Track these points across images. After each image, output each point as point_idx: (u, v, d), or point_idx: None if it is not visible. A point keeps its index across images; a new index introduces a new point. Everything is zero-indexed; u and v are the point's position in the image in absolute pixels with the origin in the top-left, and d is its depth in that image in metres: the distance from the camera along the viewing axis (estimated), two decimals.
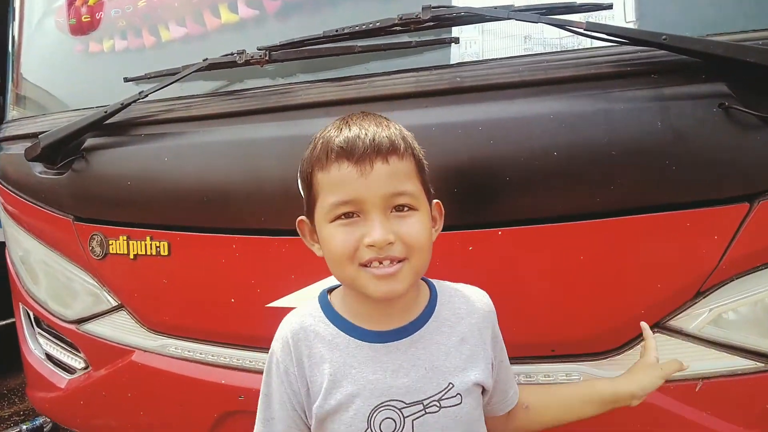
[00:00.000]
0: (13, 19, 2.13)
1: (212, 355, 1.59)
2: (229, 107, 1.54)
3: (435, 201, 0.95)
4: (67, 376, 1.92)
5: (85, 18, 1.84)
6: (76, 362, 1.90)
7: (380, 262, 0.84)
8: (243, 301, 1.51)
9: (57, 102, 1.98)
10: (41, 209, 1.84)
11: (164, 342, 1.67)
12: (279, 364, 0.94)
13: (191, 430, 1.64)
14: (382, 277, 0.84)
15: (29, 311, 2.07)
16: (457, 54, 1.39)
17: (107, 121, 1.63)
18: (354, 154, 0.84)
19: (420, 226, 0.86)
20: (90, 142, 1.70)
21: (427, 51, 1.41)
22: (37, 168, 1.82)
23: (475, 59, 1.36)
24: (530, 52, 1.33)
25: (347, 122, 0.89)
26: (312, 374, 0.91)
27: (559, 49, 1.32)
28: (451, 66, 1.35)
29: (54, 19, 2.01)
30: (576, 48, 1.30)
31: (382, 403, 0.88)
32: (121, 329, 1.75)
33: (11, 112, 2.08)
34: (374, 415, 0.88)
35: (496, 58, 1.33)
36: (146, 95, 1.57)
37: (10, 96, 2.11)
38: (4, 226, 2.09)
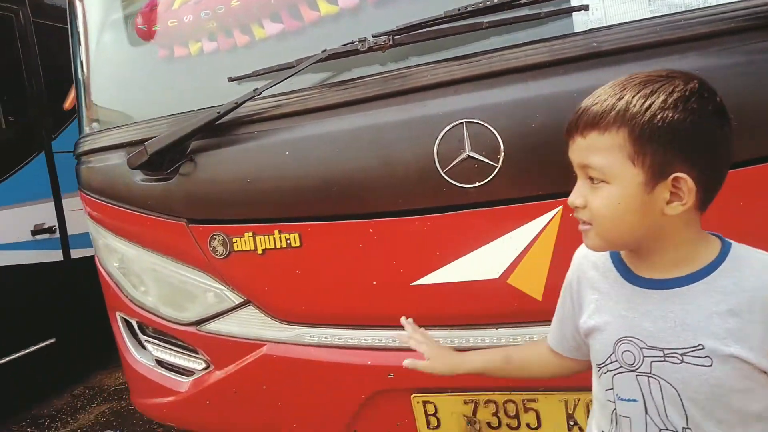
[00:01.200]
0: (80, 32, 2.11)
1: (354, 339, 1.63)
2: (350, 95, 1.56)
3: (675, 175, 0.87)
4: (185, 379, 1.94)
5: (171, 23, 1.83)
6: (195, 364, 1.92)
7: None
8: (386, 282, 1.55)
9: (137, 111, 1.97)
10: (146, 216, 1.84)
11: (299, 331, 1.70)
12: (568, 278, 1.09)
13: (336, 413, 1.69)
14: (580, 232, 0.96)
15: (130, 319, 2.07)
16: (581, 22, 1.43)
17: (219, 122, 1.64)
18: (569, 125, 0.94)
19: (603, 199, 0.91)
20: (197, 144, 1.71)
21: (551, 21, 1.45)
22: (137, 176, 1.82)
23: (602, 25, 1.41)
24: (657, 14, 1.38)
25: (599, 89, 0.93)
26: (584, 294, 1.04)
27: (684, 9, 1.38)
28: (584, 32, 1.39)
29: (128, 26, 2.00)
30: (703, 6, 1.36)
31: (625, 336, 0.97)
32: (249, 324, 1.77)
33: (86, 127, 2.06)
34: (619, 344, 0.97)
35: (629, 21, 1.37)
36: (261, 92, 1.58)
37: (84, 110, 2.09)
38: (94, 238, 2.08)
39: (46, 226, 3.94)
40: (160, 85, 1.92)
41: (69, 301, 4.13)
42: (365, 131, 1.52)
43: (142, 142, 1.78)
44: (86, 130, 2.05)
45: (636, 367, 0.95)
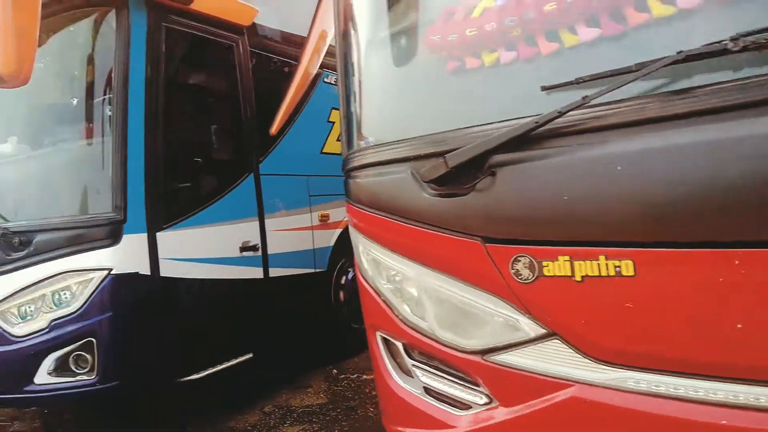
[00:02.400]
0: (351, 49, 2.10)
1: (703, 391, 1.36)
2: (705, 104, 1.34)
3: None
4: (460, 413, 1.78)
5: (470, 32, 1.74)
6: (474, 397, 1.76)
7: None
8: (756, 326, 1.29)
9: (418, 125, 1.89)
10: (432, 233, 1.73)
11: (621, 375, 1.47)
12: None
13: None
14: None
15: (395, 341, 1.96)
16: None
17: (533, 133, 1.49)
18: None
19: None
20: (500, 157, 1.58)
21: None
22: (424, 190, 1.72)
23: None
24: None
25: None
26: None
27: None
28: None
29: (408, 40, 1.95)
30: None
31: None
32: (552, 360, 1.57)
33: (359, 142, 2.03)
34: None
35: None
36: (590, 99, 1.42)
37: (353, 125, 2.07)
38: (361, 252, 2.02)
39: (251, 244, 4.08)
40: (448, 98, 1.83)
41: (266, 319, 4.24)
42: (725, 144, 1.29)
43: (431, 156, 1.69)
44: (359, 144, 2.01)
45: None
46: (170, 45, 3.63)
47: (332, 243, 4.97)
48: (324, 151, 5.07)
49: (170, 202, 3.55)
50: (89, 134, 3.50)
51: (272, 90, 4.43)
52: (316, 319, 4.82)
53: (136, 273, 3.32)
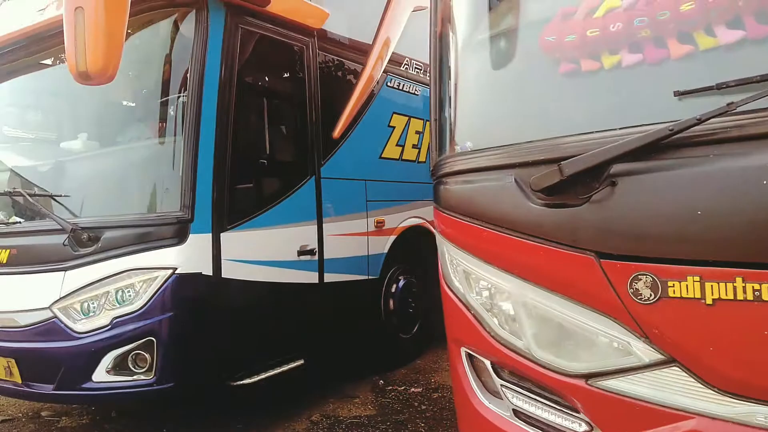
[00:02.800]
0: (448, 49, 2.02)
1: None
2: None
3: None
4: None
5: (591, 32, 1.64)
6: (571, 423, 1.64)
7: None
8: None
9: (522, 130, 1.80)
10: (537, 245, 1.63)
11: (748, 409, 1.34)
12: None
13: None
14: None
15: (483, 358, 1.86)
16: None
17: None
18: None
19: None
20: (621, 166, 1.47)
21: None
22: (530, 199, 1.62)
23: None
24: None
25: None
26: None
27: None
28: None
29: (508, 43, 1.86)
30: None
31: None
32: (669, 389, 1.45)
33: (454, 147, 1.94)
34: None
35: None
36: (737, 106, 1.30)
37: (446, 130, 1.99)
38: (448, 261, 1.92)
39: (308, 248, 4.03)
40: (559, 103, 1.73)
41: (319, 325, 4.18)
42: None
43: (541, 163, 1.59)
44: (454, 150, 1.92)
45: None
46: (245, 46, 3.62)
47: (386, 250, 4.88)
48: (383, 156, 5.00)
49: (235, 203, 3.52)
50: (161, 133, 3.50)
51: (336, 93, 4.40)
52: (366, 328, 4.74)
53: (199, 273, 3.29)
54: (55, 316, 3.31)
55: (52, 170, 3.86)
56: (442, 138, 2.01)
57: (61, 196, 3.47)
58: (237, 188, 3.58)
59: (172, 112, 3.45)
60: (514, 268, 1.70)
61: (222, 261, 3.40)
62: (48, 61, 3.88)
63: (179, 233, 3.24)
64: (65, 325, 3.28)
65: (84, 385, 3.23)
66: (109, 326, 3.18)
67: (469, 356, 1.90)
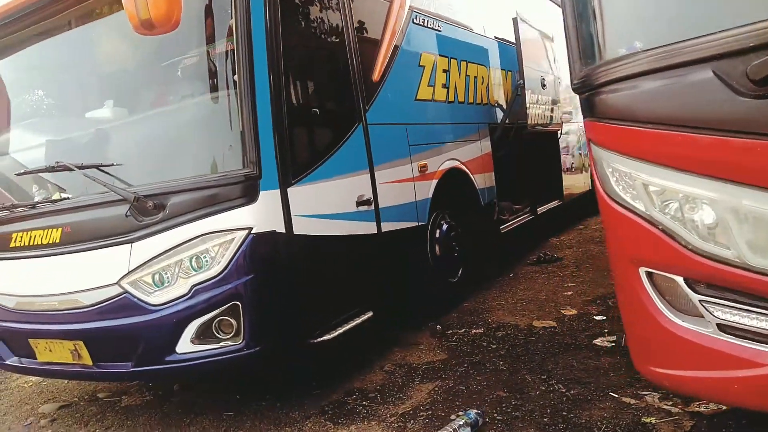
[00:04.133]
0: None
1: None
2: None
3: None
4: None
5: None
6: None
7: None
8: None
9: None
10: (752, 143, 1.50)
11: None
12: None
13: None
14: None
15: (673, 276, 1.75)
16: None
17: None
18: None
19: None
20: None
21: None
22: (741, 93, 1.49)
23: None
24: None
25: None
26: None
27: None
28: None
29: None
30: None
31: None
32: None
33: (614, 51, 1.80)
34: None
35: None
36: None
37: (599, 32, 1.83)
38: (620, 178, 1.79)
39: (365, 198, 3.89)
40: None
41: (382, 275, 4.09)
42: None
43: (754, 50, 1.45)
44: (615, 53, 1.77)
45: None
46: None
47: (430, 195, 4.76)
48: (417, 98, 4.82)
49: (296, 156, 3.33)
50: (212, 88, 3.25)
51: (371, 32, 4.17)
52: (419, 275, 4.66)
53: (274, 231, 3.12)
54: (126, 291, 3.13)
55: (98, 138, 3.59)
56: (588, 47, 1.85)
57: (112, 165, 3.22)
58: (296, 141, 3.39)
59: (221, 65, 3.20)
60: (719, 172, 1.58)
61: (292, 217, 3.23)
62: (88, 17, 3.53)
63: (249, 191, 3.05)
64: (138, 299, 3.11)
65: (168, 358, 3.09)
66: (189, 294, 3.02)
67: (649, 275, 1.81)
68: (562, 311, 4.72)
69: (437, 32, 5.21)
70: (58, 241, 3.31)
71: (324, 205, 3.53)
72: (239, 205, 3.03)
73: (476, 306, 5.20)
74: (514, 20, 5.88)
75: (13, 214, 3.61)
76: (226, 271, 3.00)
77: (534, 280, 5.87)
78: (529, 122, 5.96)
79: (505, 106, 6.47)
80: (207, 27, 3.18)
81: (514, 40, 5.95)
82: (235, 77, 3.10)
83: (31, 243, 3.44)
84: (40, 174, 3.58)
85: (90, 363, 3.35)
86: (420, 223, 4.63)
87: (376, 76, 4.08)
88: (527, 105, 5.86)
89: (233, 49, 3.10)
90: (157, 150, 3.43)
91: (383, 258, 4.07)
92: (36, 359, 3.62)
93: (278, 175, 3.16)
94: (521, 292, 5.48)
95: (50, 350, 3.50)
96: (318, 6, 3.79)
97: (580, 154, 9.27)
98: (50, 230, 3.35)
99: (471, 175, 5.48)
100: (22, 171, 3.66)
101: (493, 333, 4.43)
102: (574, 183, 8.70)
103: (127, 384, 4.47)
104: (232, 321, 3.04)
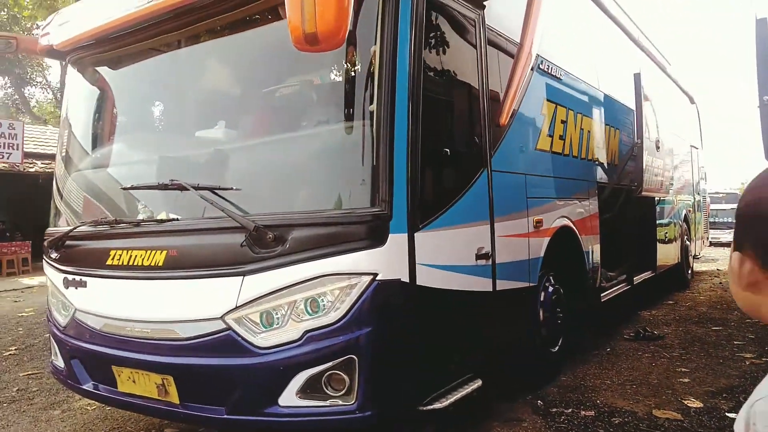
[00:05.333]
0: None
1: None
2: None
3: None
4: None
5: None
6: None
7: None
8: None
9: None
10: None
11: None
12: None
13: None
14: None
15: None
16: None
17: None
18: None
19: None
20: None
21: None
22: None
23: None
24: None
25: None
26: None
27: None
28: None
29: None
30: None
31: None
32: None
33: None
34: None
35: None
36: None
37: None
38: None
39: (484, 251, 3.52)
40: None
41: (492, 340, 3.67)
42: None
43: None
44: None
45: None
46: (429, 21, 3.12)
47: (542, 254, 4.35)
48: (537, 147, 4.48)
49: (425, 199, 3.02)
50: (348, 117, 2.99)
51: (501, 72, 3.89)
52: (526, 341, 4.22)
53: (398, 280, 2.79)
54: (230, 328, 2.83)
55: (214, 159, 3.38)
56: None
57: (231, 189, 2.97)
58: (426, 182, 3.08)
59: (359, 94, 2.95)
60: None
61: (416, 265, 2.89)
62: (215, 31, 3.37)
63: (378, 233, 2.73)
64: (243, 338, 2.80)
65: (268, 410, 2.74)
66: (301, 341, 2.69)
67: None
68: (684, 401, 4.15)
69: (558, 80, 4.90)
70: (161, 264, 3.06)
71: (445, 254, 3.18)
72: (365, 247, 2.71)
73: (576, 382, 4.67)
74: (636, 76, 5.52)
75: (114, 230, 3.40)
76: (344, 320, 2.66)
77: (638, 359, 5.29)
78: (644, 187, 5.50)
79: (614, 165, 6.05)
80: (348, 53, 2.94)
81: (621, 98, 5.58)
82: (372, 107, 2.83)
83: (131, 263, 3.20)
84: (146, 190, 3.37)
85: (177, 402, 3.03)
86: (531, 284, 4.21)
87: (503, 119, 3.77)
88: (644, 167, 5.43)
89: (373, 79, 2.84)
90: (278, 178, 3.16)
91: (496, 319, 3.67)
92: (116, 388, 3.34)
93: (407, 217, 2.84)
94: (626, 372, 4.93)
95: (134, 381, 3.21)
96: (456, 43, 3.53)
97: (673, 223, 8.71)
98: (154, 251, 3.10)
99: (579, 236, 5.05)
100: (129, 186, 3.46)
101: (608, 419, 3.90)
102: (666, 254, 8.12)
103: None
104: (345, 377, 2.68)
